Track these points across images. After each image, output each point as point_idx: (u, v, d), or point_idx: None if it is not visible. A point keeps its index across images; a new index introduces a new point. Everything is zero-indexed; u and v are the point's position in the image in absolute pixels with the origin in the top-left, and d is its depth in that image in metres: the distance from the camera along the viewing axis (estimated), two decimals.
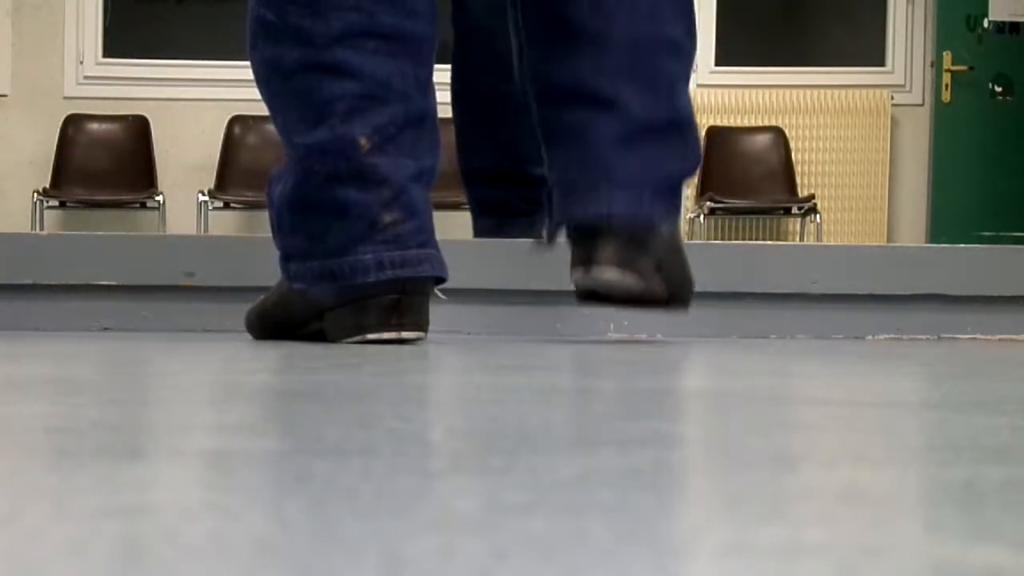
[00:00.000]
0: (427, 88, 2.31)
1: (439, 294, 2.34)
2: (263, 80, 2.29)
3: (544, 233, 2.47)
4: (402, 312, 2.24)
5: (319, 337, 2.30)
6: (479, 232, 3.15)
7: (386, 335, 2.23)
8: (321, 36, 2.23)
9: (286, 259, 2.32)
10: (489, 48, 3.03)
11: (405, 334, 2.25)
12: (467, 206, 3.29)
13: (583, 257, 2.31)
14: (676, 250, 2.37)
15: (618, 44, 2.33)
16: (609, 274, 2.28)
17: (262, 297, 2.42)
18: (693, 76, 9.52)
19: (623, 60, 2.33)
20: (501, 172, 3.13)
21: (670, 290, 2.35)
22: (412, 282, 2.24)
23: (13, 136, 8.37)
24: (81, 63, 8.47)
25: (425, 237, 2.27)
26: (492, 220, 3.14)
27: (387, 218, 2.23)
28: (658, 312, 2.41)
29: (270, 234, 2.37)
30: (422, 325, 2.27)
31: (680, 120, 2.38)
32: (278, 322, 2.37)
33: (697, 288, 2.44)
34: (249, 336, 2.45)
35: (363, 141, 2.22)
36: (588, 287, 2.34)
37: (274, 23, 2.25)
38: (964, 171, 8.45)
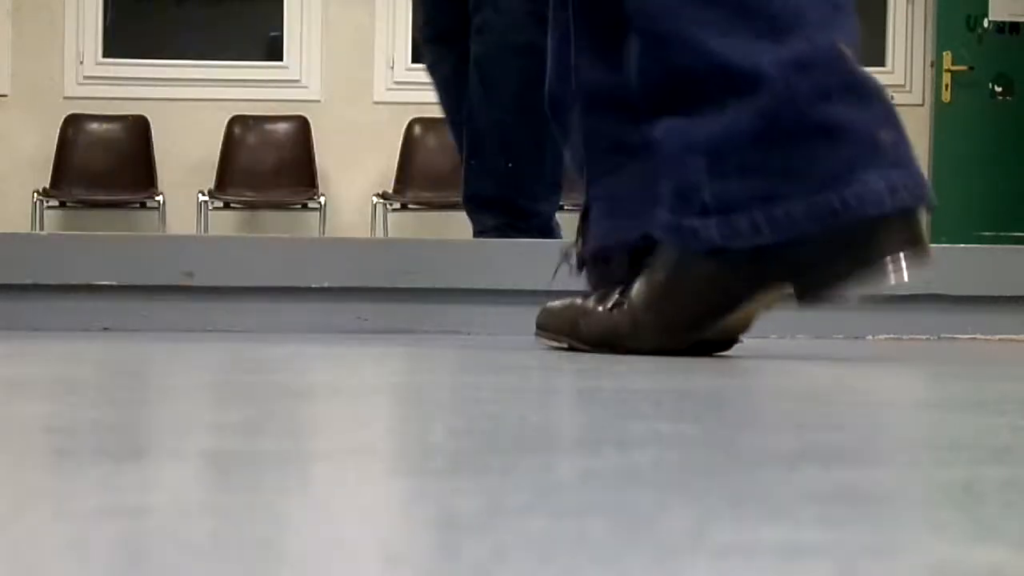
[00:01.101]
0: None
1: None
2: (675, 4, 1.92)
3: (575, 258, 2.18)
4: (915, 242, 1.87)
5: (739, 324, 1.98)
6: None
7: (894, 268, 1.87)
8: None
9: (723, 213, 1.88)
10: (498, 85, 3.05)
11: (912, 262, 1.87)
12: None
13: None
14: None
15: None
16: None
17: (576, 301, 2.07)
18: None
19: None
20: (500, 200, 3.18)
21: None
22: (916, 211, 1.86)
23: (13, 136, 8.37)
24: (81, 63, 8.47)
25: (914, 158, 1.91)
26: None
27: (886, 137, 1.87)
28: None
29: (270, 234, 2.36)
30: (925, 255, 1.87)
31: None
32: (689, 312, 1.96)
33: None
34: (246, 335, 2.44)
35: (844, 49, 1.88)
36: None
37: None
38: (964, 171, 8.45)
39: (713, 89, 1.89)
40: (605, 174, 2.14)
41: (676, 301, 1.94)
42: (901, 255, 1.85)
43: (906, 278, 1.87)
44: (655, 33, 1.98)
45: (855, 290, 1.89)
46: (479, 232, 3.26)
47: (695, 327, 1.95)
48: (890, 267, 1.86)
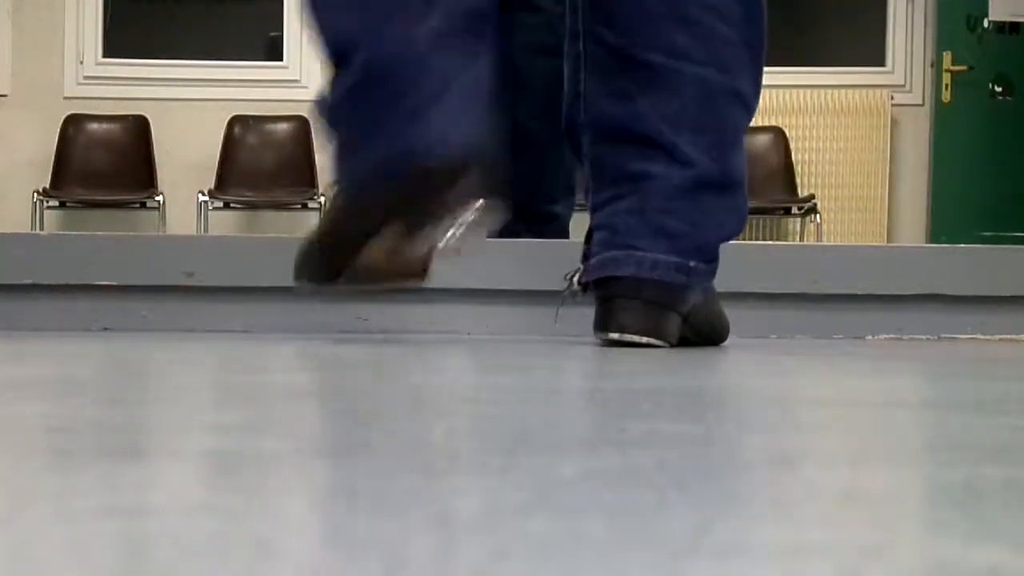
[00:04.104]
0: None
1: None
2: None
3: (576, 278, 2.36)
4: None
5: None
6: None
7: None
8: None
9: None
10: (524, 85, 3.04)
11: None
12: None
13: (605, 320, 2.26)
14: (709, 304, 2.34)
15: (687, 89, 2.25)
16: (630, 339, 2.24)
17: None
18: None
19: (690, 107, 2.25)
20: (517, 205, 3.16)
21: (697, 340, 2.32)
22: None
23: (13, 136, 8.37)
24: (81, 63, 8.47)
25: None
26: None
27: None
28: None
29: (270, 234, 2.38)
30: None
31: (736, 178, 2.31)
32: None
33: None
34: (246, 335, 2.44)
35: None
36: (609, 343, 2.27)
37: None
38: (964, 171, 8.45)
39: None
40: (607, 203, 2.25)
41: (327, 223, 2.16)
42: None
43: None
44: None
45: None
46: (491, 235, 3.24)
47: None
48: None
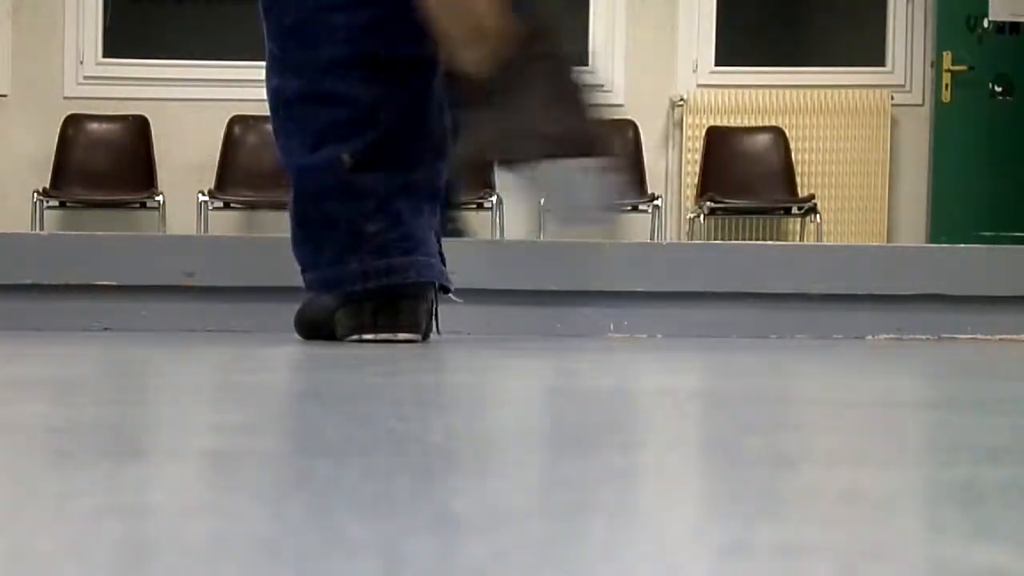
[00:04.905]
0: (423, 107, 2.35)
1: (453, 297, 2.40)
2: (272, 109, 2.43)
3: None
4: (392, 315, 2.34)
5: (334, 335, 2.41)
6: None
7: (381, 336, 2.34)
8: (313, 67, 2.35)
9: (301, 269, 2.44)
10: None
11: (400, 335, 2.34)
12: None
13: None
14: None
15: None
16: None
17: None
18: (693, 76, 9.46)
19: None
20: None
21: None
22: (400, 288, 2.33)
23: (13, 136, 8.37)
24: (81, 63, 8.47)
25: (412, 245, 2.35)
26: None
27: (371, 228, 2.33)
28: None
29: (270, 234, 2.40)
30: (414, 327, 2.35)
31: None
32: (310, 322, 2.47)
33: (697, 288, 2.44)
34: (246, 335, 2.44)
35: (346, 159, 2.34)
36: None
37: (278, 56, 2.39)
38: (964, 171, 8.45)
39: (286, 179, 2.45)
40: None
41: (309, 310, 2.47)
42: (380, 323, 2.34)
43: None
44: None
45: (369, 341, 2.33)
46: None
47: (314, 329, 2.45)
48: (376, 335, 2.34)
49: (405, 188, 2.35)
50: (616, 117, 8.03)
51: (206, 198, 8.02)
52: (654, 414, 1.25)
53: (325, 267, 2.38)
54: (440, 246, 2.41)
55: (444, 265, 2.40)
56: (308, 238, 2.40)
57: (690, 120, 8.40)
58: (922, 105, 8.60)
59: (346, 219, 2.35)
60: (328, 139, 2.36)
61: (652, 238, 7.91)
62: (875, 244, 7.77)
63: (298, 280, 2.44)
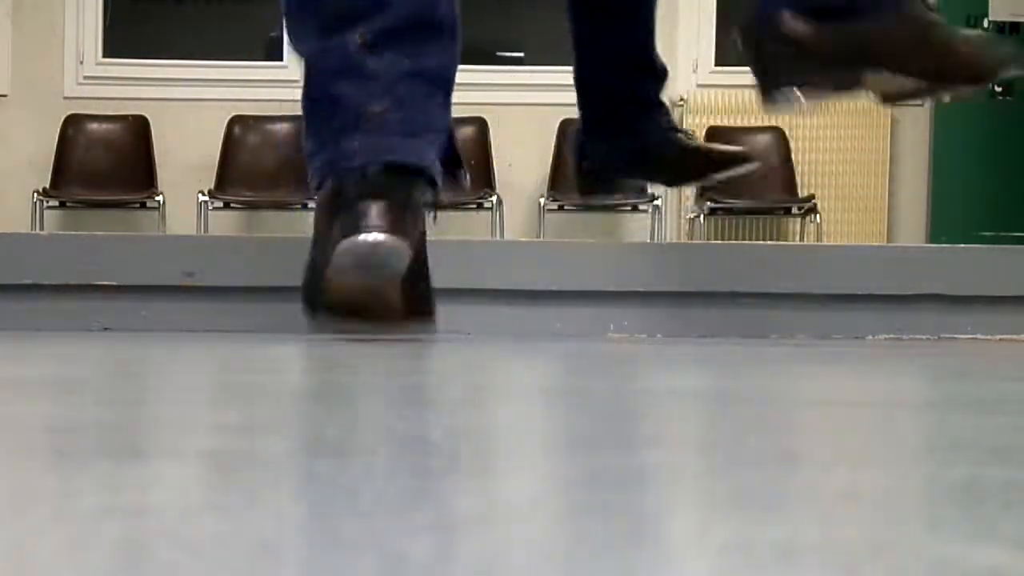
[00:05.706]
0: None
1: (465, 181, 2.41)
2: (294, 6, 2.50)
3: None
4: (380, 213, 2.21)
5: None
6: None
7: (362, 237, 2.18)
8: None
9: (309, 162, 2.38)
10: None
11: (377, 235, 2.19)
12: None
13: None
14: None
15: None
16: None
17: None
18: (693, 76, 9.45)
19: None
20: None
21: None
22: (391, 166, 2.26)
23: (13, 136, 8.37)
24: (81, 63, 8.47)
25: (415, 128, 2.33)
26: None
27: (375, 108, 2.32)
28: None
29: (270, 234, 2.39)
30: (396, 230, 2.21)
31: None
32: (308, 269, 2.33)
33: (697, 288, 2.44)
34: (246, 335, 2.44)
35: (359, 39, 2.35)
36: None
37: None
38: (964, 171, 8.44)
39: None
40: None
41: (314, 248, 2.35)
42: (363, 223, 2.21)
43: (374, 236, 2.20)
44: None
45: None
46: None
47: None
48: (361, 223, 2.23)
49: (414, 74, 2.36)
50: None
51: (206, 198, 8.02)
52: (654, 414, 1.25)
53: (330, 148, 2.35)
54: (454, 138, 2.41)
55: (456, 152, 2.39)
56: (316, 123, 2.39)
57: (690, 120, 8.40)
58: (922, 105, 8.61)
59: (354, 101, 2.34)
60: (339, 24, 2.37)
61: (652, 238, 7.91)
62: (875, 244, 7.77)
63: (297, 280, 2.44)
